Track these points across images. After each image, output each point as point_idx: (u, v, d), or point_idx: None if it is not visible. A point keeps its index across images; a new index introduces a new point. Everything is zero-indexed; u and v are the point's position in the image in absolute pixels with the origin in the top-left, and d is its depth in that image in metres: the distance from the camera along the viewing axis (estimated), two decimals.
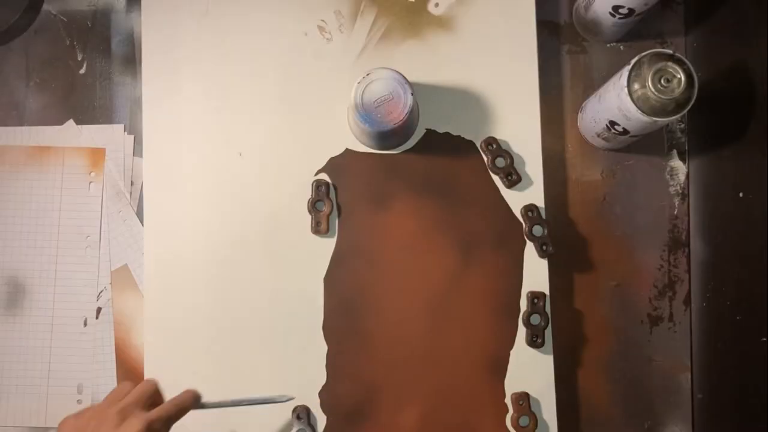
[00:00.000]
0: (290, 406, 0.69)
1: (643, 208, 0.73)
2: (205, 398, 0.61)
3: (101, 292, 0.72)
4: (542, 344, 0.69)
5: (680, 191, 0.73)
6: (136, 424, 0.55)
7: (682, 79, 0.60)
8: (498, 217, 0.71)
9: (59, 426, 0.57)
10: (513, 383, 0.69)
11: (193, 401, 0.61)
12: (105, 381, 0.71)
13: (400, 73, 0.65)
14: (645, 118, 0.61)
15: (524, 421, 0.69)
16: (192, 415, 0.59)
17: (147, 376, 0.70)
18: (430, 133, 0.72)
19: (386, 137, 0.69)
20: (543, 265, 0.70)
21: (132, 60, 0.75)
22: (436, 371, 0.70)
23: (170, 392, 0.71)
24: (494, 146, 0.71)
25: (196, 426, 0.64)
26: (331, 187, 0.71)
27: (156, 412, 0.57)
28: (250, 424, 0.69)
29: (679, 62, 0.60)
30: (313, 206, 0.70)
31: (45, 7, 0.75)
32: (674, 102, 0.60)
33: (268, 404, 0.65)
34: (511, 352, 0.70)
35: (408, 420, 0.69)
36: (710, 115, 0.70)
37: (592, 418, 0.72)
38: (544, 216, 0.70)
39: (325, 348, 0.70)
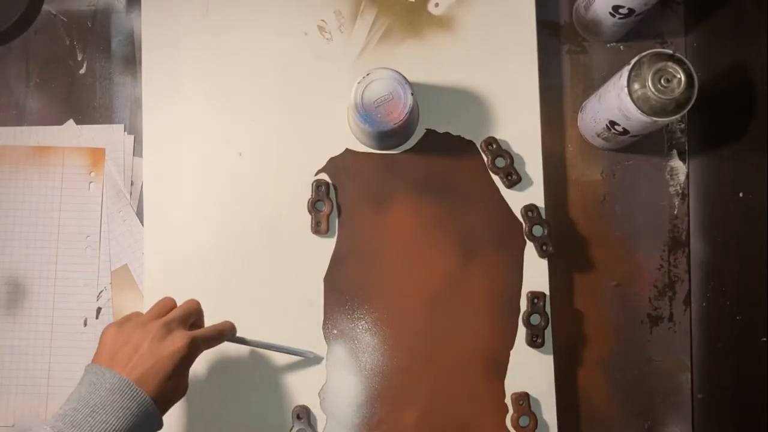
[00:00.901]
0: (290, 403, 0.69)
1: (643, 208, 0.73)
2: (242, 336, 0.65)
3: (101, 292, 0.72)
4: (542, 344, 0.69)
5: (680, 191, 0.73)
6: (181, 337, 0.57)
7: (682, 79, 0.60)
8: (498, 217, 0.71)
9: (102, 333, 0.57)
10: (513, 383, 0.69)
11: (230, 331, 0.64)
12: None
13: (400, 73, 0.65)
14: (645, 118, 0.61)
15: (524, 421, 0.69)
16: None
17: None
18: (430, 133, 0.72)
19: (386, 137, 0.69)
20: (543, 265, 0.70)
21: (132, 60, 0.75)
22: (436, 371, 0.70)
23: None
24: (494, 146, 0.71)
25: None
26: (331, 187, 0.71)
27: (199, 332, 0.59)
28: (250, 424, 0.69)
29: (679, 62, 0.60)
30: (313, 206, 0.70)
31: (45, 7, 0.75)
32: (674, 102, 0.60)
33: (295, 355, 0.69)
34: (511, 352, 0.70)
35: (408, 420, 0.69)
36: (710, 115, 0.70)
37: (592, 418, 0.72)
38: (544, 216, 0.70)
39: (325, 348, 0.70)
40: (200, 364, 0.70)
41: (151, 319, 0.58)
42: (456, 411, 0.69)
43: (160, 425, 0.56)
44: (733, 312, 0.68)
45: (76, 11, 0.75)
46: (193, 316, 0.61)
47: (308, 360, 0.70)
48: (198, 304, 0.62)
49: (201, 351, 0.59)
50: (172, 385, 0.56)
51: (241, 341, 0.66)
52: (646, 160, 0.73)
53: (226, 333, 0.63)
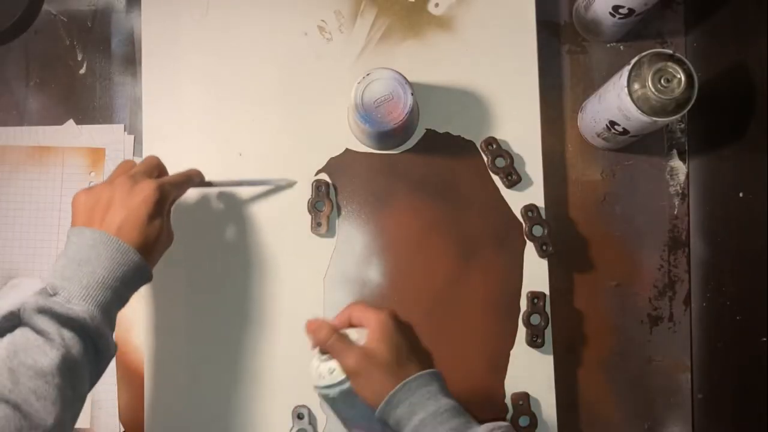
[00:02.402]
0: (290, 403, 0.69)
1: (643, 208, 0.73)
2: (210, 180, 0.66)
3: None
4: (542, 344, 0.69)
5: (680, 191, 0.73)
6: (149, 184, 0.58)
7: (682, 79, 0.60)
8: (498, 217, 0.71)
9: (73, 200, 0.58)
10: (513, 383, 0.69)
11: (198, 176, 0.65)
12: (105, 380, 0.71)
13: (400, 73, 0.65)
14: (645, 118, 0.61)
15: (524, 421, 0.69)
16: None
17: (147, 375, 0.70)
18: (430, 133, 0.72)
19: (386, 137, 0.69)
20: (543, 265, 0.70)
21: (132, 60, 0.75)
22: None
23: (170, 390, 0.71)
24: (494, 146, 0.71)
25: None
26: (331, 187, 0.71)
27: (165, 178, 0.61)
28: (250, 424, 0.69)
29: (679, 62, 0.60)
30: (313, 206, 0.70)
31: (45, 7, 0.75)
32: (674, 102, 0.60)
33: (268, 188, 0.70)
34: (511, 352, 0.70)
35: None
36: (710, 115, 0.70)
37: (592, 418, 0.72)
38: (544, 216, 0.70)
39: None
40: (200, 364, 0.70)
41: (116, 177, 0.59)
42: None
43: (149, 276, 0.58)
44: (733, 312, 0.68)
45: (76, 11, 0.75)
46: (155, 169, 0.62)
47: (306, 364, 0.70)
48: (158, 158, 0.63)
49: (171, 196, 0.60)
50: (152, 230, 0.57)
51: (209, 185, 0.67)
52: (646, 160, 0.73)
53: (193, 177, 0.64)
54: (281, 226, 0.71)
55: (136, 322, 0.71)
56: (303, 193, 0.71)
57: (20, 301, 0.51)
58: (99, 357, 0.54)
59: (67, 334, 0.51)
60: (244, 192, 0.71)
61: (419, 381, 0.54)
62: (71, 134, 0.74)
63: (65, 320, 0.51)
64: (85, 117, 0.74)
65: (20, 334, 0.51)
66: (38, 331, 0.50)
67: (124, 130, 0.74)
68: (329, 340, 0.56)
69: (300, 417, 0.69)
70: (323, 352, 0.57)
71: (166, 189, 0.59)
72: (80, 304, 0.52)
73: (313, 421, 0.69)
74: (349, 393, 0.55)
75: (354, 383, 0.55)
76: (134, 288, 0.57)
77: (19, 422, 0.47)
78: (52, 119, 0.74)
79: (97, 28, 0.75)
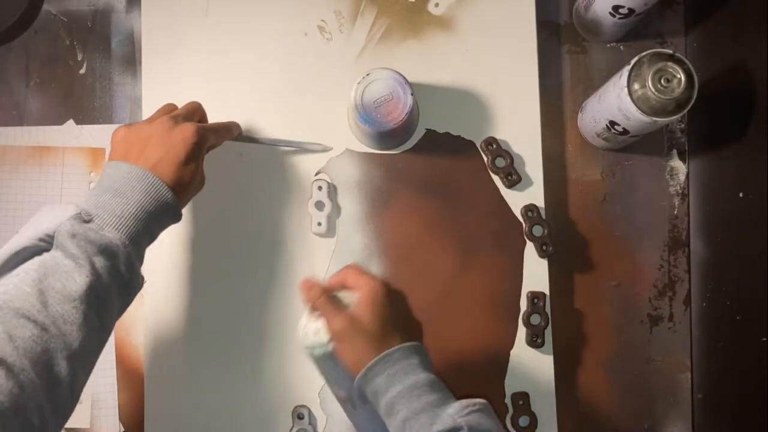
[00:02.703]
0: (290, 403, 0.69)
1: (643, 208, 0.73)
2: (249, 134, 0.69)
3: None
4: (542, 344, 0.69)
5: (680, 191, 0.73)
6: (189, 126, 0.58)
7: (682, 79, 0.60)
8: (498, 217, 0.71)
9: (113, 135, 0.58)
10: (513, 383, 0.69)
11: (237, 129, 0.67)
12: (104, 381, 0.71)
13: (400, 73, 0.65)
14: (645, 118, 0.61)
15: (524, 421, 0.69)
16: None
17: (147, 376, 0.70)
18: (430, 133, 0.72)
19: (386, 137, 0.69)
20: (543, 265, 0.70)
21: (132, 60, 0.75)
22: (436, 371, 0.69)
23: (170, 390, 0.71)
24: (494, 146, 0.71)
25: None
26: (331, 187, 0.71)
27: (206, 124, 0.62)
28: (250, 424, 0.69)
29: (679, 62, 0.60)
30: (313, 206, 0.70)
31: (45, 7, 0.75)
32: (674, 102, 0.60)
33: (304, 150, 0.71)
34: (511, 352, 0.70)
35: None
36: (710, 115, 0.70)
37: (592, 418, 0.72)
38: (544, 216, 0.70)
39: None
40: (200, 364, 0.70)
41: (157, 118, 0.59)
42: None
43: (179, 216, 0.58)
44: (733, 312, 0.68)
45: (76, 11, 0.75)
46: (197, 113, 0.63)
47: (306, 364, 0.70)
48: (200, 104, 0.64)
49: (209, 141, 0.61)
50: (188, 172, 0.57)
51: (250, 140, 0.68)
52: (646, 160, 0.73)
53: (232, 129, 0.66)
54: (281, 226, 0.71)
55: (136, 322, 0.71)
56: (303, 193, 0.71)
57: (55, 224, 0.51)
58: (127, 287, 0.54)
59: (98, 261, 0.51)
60: (244, 192, 0.71)
61: (400, 353, 0.54)
62: (71, 134, 0.74)
63: (97, 247, 0.51)
64: (85, 117, 0.74)
65: (51, 257, 0.50)
66: (70, 256, 0.50)
67: None
68: (319, 300, 0.56)
69: (300, 417, 0.69)
70: (313, 310, 0.57)
71: (206, 133, 0.59)
72: (112, 233, 0.52)
73: (313, 421, 0.69)
74: (332, 355, 0.56)
75: (337, 347, 0.55)
76: (164, 225, 0.57)
77: (46, 343, 0.47)
78: (52, 119, 0.74)
79: (97, 28, 0.75)
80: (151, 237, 0.56)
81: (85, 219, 0.52)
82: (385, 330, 0.55)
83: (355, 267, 0.59)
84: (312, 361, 0.58)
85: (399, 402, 0.52)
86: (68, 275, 0.49)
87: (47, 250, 0.51)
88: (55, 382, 0.47)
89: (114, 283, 0.52)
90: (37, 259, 0.50)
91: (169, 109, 0.62)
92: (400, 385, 0.53)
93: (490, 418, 0.52)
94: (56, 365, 0.47)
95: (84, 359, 0.50)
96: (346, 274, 0.58)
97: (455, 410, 0.51)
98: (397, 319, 0.57)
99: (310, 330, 0.57)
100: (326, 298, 0.57)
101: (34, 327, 0.47)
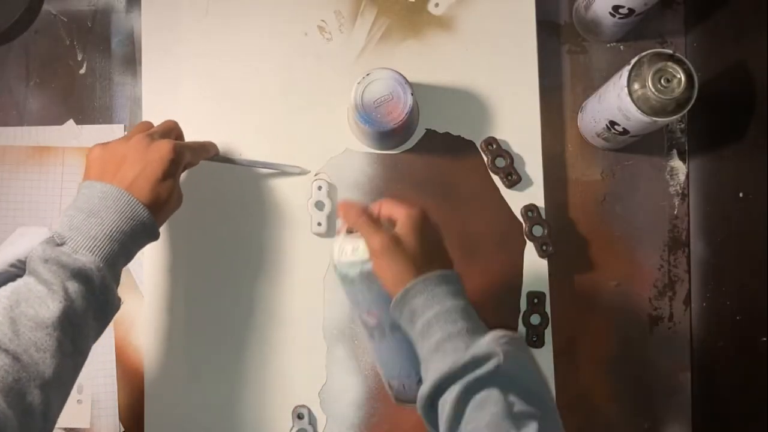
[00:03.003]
0: (290, 403, 0.69)
1: (643, 208, 0.73)
2: (225, 155, 0.68)
3: None
4: (542, 344, 0.69)
5: (680, 191, 0.73)
6: (166, 143, 0.58)
7: (682, 79, 0.60)
8: (498, 217, 0.71)
9: (88, 153, 0.58)
10: None
11: (214, 149, 0.66)
12: (105, 381, 0.71)
13: (400, 73, 0.65)
14: (645, 118, 0.61)
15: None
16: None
17: (147, 376, 0.70)
18: (430, 133, 0.72)
19: (386, 137, 0.69)
20: (543, 265, 0.70)
21: (132, 60, 0.75)
22: None
23: (170, 390, 0.71)
24: (494, 146, 0.71)
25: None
26: (331, 187, 0.71)
27: (182, 141, 0.61)
28: (250, 424, 0.69)
29: (679, 62, 0.60)
30: (313, 206, 0.70)
31: (45, 7, 0.75)
32: (674, 102, 0.60)
33: (281, 173, 0.70)
34: None
35: (408, 420, 0.69)
36: (710, 115, 0.70)
37: (592, 418, 0.72)
38: (544, 216, 0.70)
39: (325, 348, 0.70)
40: (200, 364, 0.70)
41: (133, 135, 0.59)
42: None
43: (156, 234, 0.57)
44: (733, 312, 0.68)
45: (76, 11, 0.75)
46: (173, 132, 0.62)
47: (306, 364, 0.70)
48: (176, 123, 0.63)
49: (185, 159, 0.60)
50: (164, 189, 0.57)
51: (224, 160, 0.67)
52: (646, 160, 0.73)
53: (209, 148, 0.65)
54: (281, 226, 0.71)
55: (136, 322, 0.71)
56: (303, 193, 0.71)
57: (28, 248, 0.51)
58: (103, 310, 0.53)
59: (71, 286, 0.50)
60: (244, 193, 0.71)
61: (440, 277, 0.54)
62: (71, 134, 0.74)
63: (70, 271, 0.50)
64: (85, 117, 0.74)
65: (24, 283, 0.50)
66: (42, 282, 0.50)
67: (124, 130, 0.74)
68: (359, 219, 0.56)
69: (300, 417, 0.69)
70: (350, 231, 0.57)
71: (182, 150, 0.59)
72: (86, 255, 0.51)
73: (313, 421, 0.69)
74: (368, 275, 0.55)
75: (376, 265, 0.54)
76: (140, 244, 0.57)
77: (18, 373, 0.46)
78: (52, 119, 0.74)
79: (97, 28, 0.75)
80: (128, 257, 0.56)
81: (57, 242, 0.51)
82: (425, 253, 0.55)
83: (389, 199, 0.58)
84: (343, 284, 0.57)
85: (435, 324, 0.51)
86: (41, 301, 0.49)
87: (20, 275, 0.51)
88: (28, 411, 0.46)
89: (89, 307, 0.51)
90: (9, 286, 0.50)
91: (146, 126, 0.61)
92: (439, 306, 0.52)
93: (524, 350, 0.52)
94: (29, 394, 0.47)
95: (58, 386, 0.49)
96: (383, 204, 0.57)
97: (491, 338, 0.51)
98: (435, 248, 0.56)
99: (348, 248, 0.55)
100: (367, 218, 0.56)
101: (5, 356, 0.47)
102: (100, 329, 0.54)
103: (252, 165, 0.70)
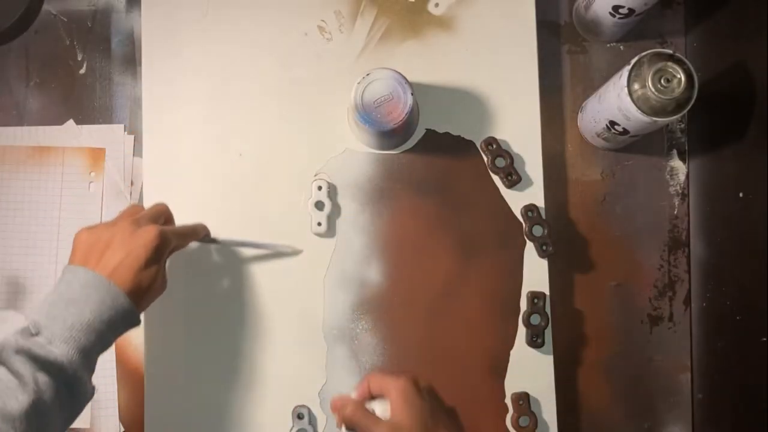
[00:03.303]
0: (290, 403, 0.69)
1: (643, 208, 0.73)
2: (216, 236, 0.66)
3: None
4: (542, 344, 0.69)
5: (680, 191, 0.73)
6: (151, 229, 0.57)
7: (682, 79, 0.60)
8: (498, 217, 0.71)
9: (75, 237, 0.57)
10: (513, 383, 0.69)
11: (203, 231, 0.64)
12: (105, 381, 0.71)
13: (400, 73, 0.65)
14: (645, 118, 0.61)
15: (524, 421, 0.69)
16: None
17: (147, 376, 0.70)
18: (430, 133, 0.72)
19: (386, 137, 0.69)
20: (543, 265, 0.70)
21: (132, 60, 0.75)
22: (436, 371, 0.70)
23: (170, 390, 0.71)
24: (494, 146, 0.71)
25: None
26: (331, 187, 0.71)
27: (169, 227, 0.60)
28: (250, 424, 0.69)
29: (679, 62, 0.60)
30: (313, 206, 0.70)
31: (45, 7, 0.75)
32: (674, 102, 0.60)
33: (273, 253, 0.69)
34: (511, 352, 0.70)
35: None
36: (710, 115, 0.70)
37: (592, 418, 0.72)
38: (544, 216, 0.70)
39: (325, 348, 0.70)
40: (200, 364, 0.70)
41: (121, 220, 0.59)
42: (456, 411, 0.69)
43: (137, 321, 0.57)
44: (733, 312, 0.68)
45: (76, 11, 0.75)
46: (162, 216, 0.62)
47: (306, 364, 0.70)
48: (167, 206, 0.63)
49: (172, 246, 0.59)
50: (147, 277, 0.56)
51: (214, 241, 0.66)
52: (646, 160, 0.73)
53: (198, 231, 0.64)
54: (281, 226, 0.71)
55: None
56: (303, 193, 0.71)
57: (2, 338, 0.50)
58: (74, 401, 0.53)
59: (42, 378, 0.50)
60: (244, 191, 0.71)
61: None
62: (71, 134, 0.74)
63: (42, 363, 0.50)
64: (85, 117, 0.74)
65: None
66: (13, 373, 0.49)
67: (124, 130, 0.74)
68: (355, 416, 0.56)
69: (300, 417, 0.69)
70: (349, 429, 0.57)
71: (168, 237, 0.58)
72: (60, 347, 0.51)
73: (313, 421, 0.69)
74: None
75: None
76: (120, 332, 0.56)
77: None
78: (52, 119, 0.74)
79: (97, 28, 0.75)
80: (105, 345, 0.55)
81: (32, 332, 0.51)
82: (427, 425, 0.55)
83: (377, 373, 0.59)
84: None
85: None
86: (10, 393, 0.48)
87: None
88: None
89: (58, 398, 0.51)
90: None
91: (135, 210, 0.61)
92: None
93: None
94: None
95: None
96: (370, 381, 0.58)
97: None
98: (434, 410, 0.57)
99: None
100: (362, 412, 0.56)
101: None
102: (70, 419, 0.54)
103: (243, 245, 0.69)
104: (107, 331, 0.54)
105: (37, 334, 0.51)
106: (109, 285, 0.54)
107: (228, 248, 0.69)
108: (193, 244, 0.65)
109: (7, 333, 0.51)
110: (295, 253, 0.70)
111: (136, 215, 0.60)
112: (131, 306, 0.55)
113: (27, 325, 0.52)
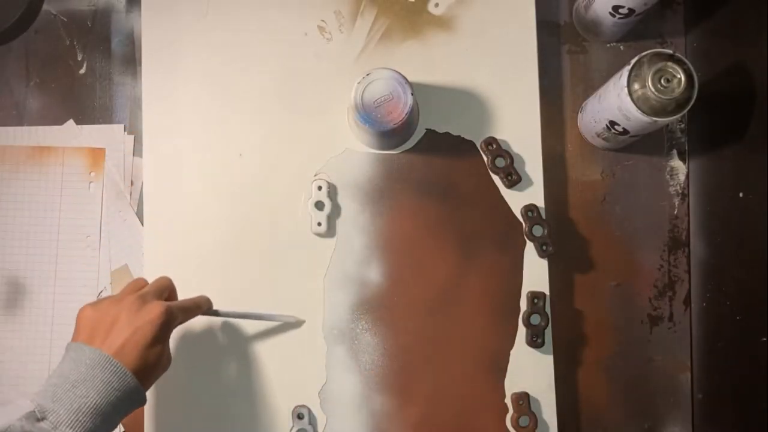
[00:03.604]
0: (290, 403, 0.69)
1: (643, 208, 0.73)
2: (217, 309, 0.66)
3: (101, 292, 0.72)
4: (542, 344, 0.69)
5: (680, 191, 0.73)
6: (157, 306, 0.57)
7: (682, 79, 0.60)
8: (498, 217, 0.71)
9: (78, 314, 0.57)
10: (513, 383, 0.69)
11: (206, 304, 0.64)
12: None
13: (400, 73, 0.65)
14: (645, 118, 0.61)
15: (524, 421, 0.69)
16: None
17: None
18: (430, 133, 0.72)
19: (386, 137, 0.69)
20: (543, 265, 0.70)
21: (132, 60, 0.75)
22: (436, 371, 0.70)
23: (169, 391, 0.71)
24: (494, 146, 0.71)
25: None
26: (331, 187, 0.71)
27: (174, 302, 0.60)
28: (250, 424, 0.69)
29: (679, 62, 0.60)
30: (313, 206, 0.70)
31: (45, 7, 0.75)
32: (674, 102, 0.60)
33: (275, 322, 0.69)
34: (511, 352, 0.70)
35: (408, 420, 0.69)
36: (710, 115, 0.70)
37: (592, 418, 0.72)
38: (544, 216, 0.70)
39: (325, 348, 0.70)
40: (201, 365, 0.70)
41: (126, 296, 0.58)
42: (456, 411, 0.69)
43: (143, 400, 0.56)
44: (733, 312, 0.68)
45: (76, 11, 0.75)
46: (166, 290, 0.62)
47: (306, 364, 0.70)
48: (170, 280, 0.63)
49: (178, 321, 0.59)
50: (153, 354, 0.56)
51: (217, 314, 0.66)
52: (646, 160, 0.73)
53: (201, 305, 0.64)
54: (281, 226, 0.71)
55: None
56: (303, 193, 0.71)
57: (7, 422, 0.50)
58: None
59: None
60: (244, 191, 0.71)
61: None
62: (71, 134, 0.74)
63: None
64: (85, 117, 0.74)
65: None
66: None
67: (124, 130, 0.74)
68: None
69: (300, 417, 0.69)
70: None
71: (174, 313, 0.58)
72: None
73: (313, 421, 0.69)
74: None
75: None
76: (126, 413, 0.56)
77: None
78: (52, 119, 0.74)
79: (97, 28, 0.75)
80: (111, 426, 0.55)
81: (38, 417, 0.50)
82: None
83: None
84: None
85: None
86: None
87: None
88: None
89: None
90: None
91: (139, 285, 0.61)
92: None
93: None
94: None
95: None
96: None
97: None
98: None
99: None
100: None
101: None
102: None
103: (246, 317, 0.68)
104: (113, 412, 0.53)
105: (42, 419, 0.50)
106: (116, 365, 0.54)
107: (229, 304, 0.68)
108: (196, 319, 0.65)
109: (11, 417, 0.50)
110: (299, 323, 0.70)
111: (140, 290, 0.59)
112: (137, 385, 0.55)
113: (33, 409, 0.51)
